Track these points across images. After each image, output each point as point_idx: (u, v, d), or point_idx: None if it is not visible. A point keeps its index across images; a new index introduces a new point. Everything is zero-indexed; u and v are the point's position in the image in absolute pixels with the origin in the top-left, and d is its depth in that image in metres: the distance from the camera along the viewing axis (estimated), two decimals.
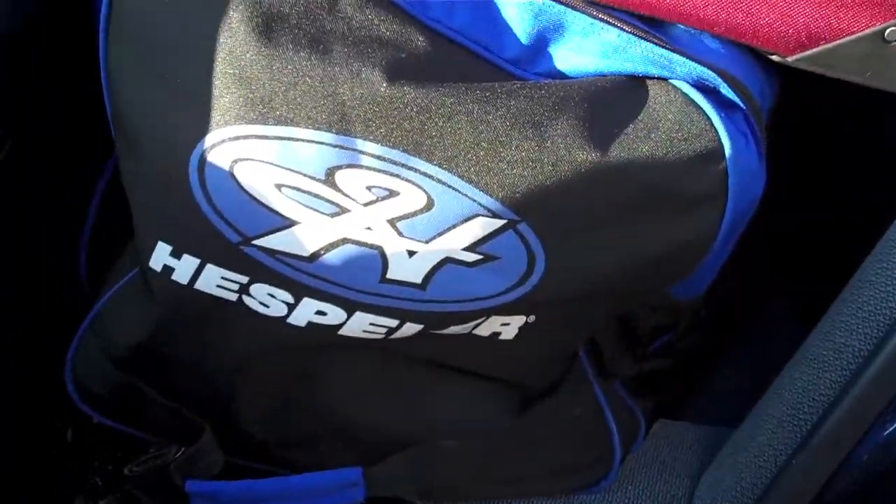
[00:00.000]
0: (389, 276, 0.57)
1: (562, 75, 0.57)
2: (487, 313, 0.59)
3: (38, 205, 0.70)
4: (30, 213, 0.70)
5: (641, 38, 0.56)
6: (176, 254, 0.58)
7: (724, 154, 0.55)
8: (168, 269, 0.58)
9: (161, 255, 0.58)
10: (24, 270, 0.71)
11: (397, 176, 0.54)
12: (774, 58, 0.58)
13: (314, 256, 0.56)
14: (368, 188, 0.54)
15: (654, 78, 0.56)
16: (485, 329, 0.61)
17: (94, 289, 0.70)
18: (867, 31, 0.57)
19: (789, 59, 0.58)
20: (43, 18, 0.65)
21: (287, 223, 0.55)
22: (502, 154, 0.54)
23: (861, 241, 0.63)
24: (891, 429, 0.61)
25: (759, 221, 0.62)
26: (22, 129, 0.65)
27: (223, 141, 0.54)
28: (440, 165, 0.54)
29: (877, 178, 0.74)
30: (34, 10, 0.64)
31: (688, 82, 0.56)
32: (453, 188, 0.54)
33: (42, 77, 0.66)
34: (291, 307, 0.59)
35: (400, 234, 0.55)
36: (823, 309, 0.64)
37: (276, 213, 0.55)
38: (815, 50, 0.57)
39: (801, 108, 0.68)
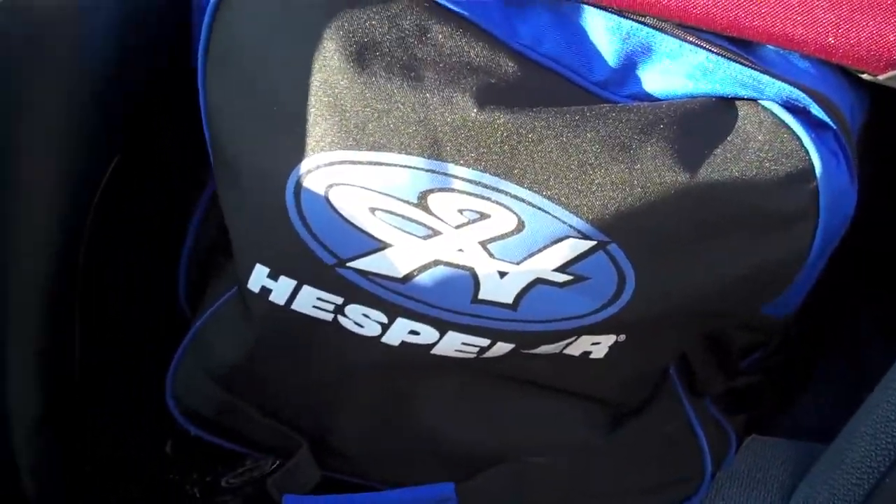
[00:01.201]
0: (481, 296, 0.58)
1: (650, 97, 0.57)
2: (578, 333, 0.60)
3: (140, 223, 0.73)
4: (132, 232, 0.72)
5: (730, 59, 0.56)
6: (273, 275, 0.59)
7: (814, 173, 0.55)
8: (266, 291, 0.60)
9: (259, 277, 0.60)
10: (125, 289, 0.74)
11: (488, 199, 0.55)
12: (865, 76, 0.58)
13: (407, 278, 0.57)
14: (460, 211, 0.55)
15: (743, 99, 0.57)
16: (575, 348, 0.62)
17: (193, 309, 0.72)
18: None
19: (880, 77, 0.58)
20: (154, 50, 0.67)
21: (380, 245, 0.56)
22: (592, 177, 0.54)
23: None
24: None
25: (852, 238, 0.61)
26: (131, 145, 0.68)
27: (318, 167, 0.55)
28: (530, 188, 0.55)
29: None
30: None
31: (777, 103, 0.56)
32: (544, 210, 0.55)
33: (150, 98, 0.68)
34: (385, 327, 0.60)
35: (491, 255, 0.56)
36: None
37: (370, 235, 0.56)
38: None
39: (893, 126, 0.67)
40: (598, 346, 0.62)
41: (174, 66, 0.66)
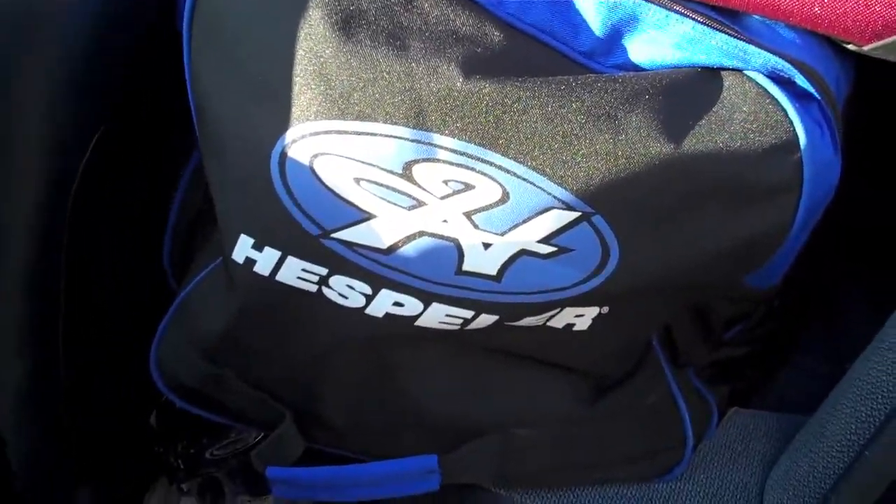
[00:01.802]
0: (465, 267, 0.57)
1: (637, 67, 0.57)
2: (562, 304, 0.60)
3: (125, 194, 0.72)
4: (117, 202, 0.72)
5: (716, 29, 0.56)
6: (258, 246, 0.59)
7: (798, 144, 0.55)
8: (250, 261, 0.60)
9: (243, 248, 0.60)
10: (110, 261, 0.73)
11: (473, 169, 0.55)
12: (850, 47, 0.58)
13: (391, 249, 0.57)
14: (445, 182, 0.55)
15: (728, 69, 0.56)
16: (559, 321, 0.62)
17: (178, 279, 0.72)
18: None
19: (865, 48, 0.58)
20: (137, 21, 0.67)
21: (365, 216, 0.56)
22: (577, 147, 0.54)
23: None
24: None
25: (835, 211, 0.62)
26: (115, 117, 0.67)
27: (303, 136, 0.55)
28: (515, 159, 0.55)
29: None
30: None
31: (762, 73, 0.56)
32: (528, 181, 0.55)
33: (133, 69, 0.68)
34: (369, 298, 0.60)
35: (476, 226, 0.56)
36: None
37: (355, 206, 0.56)
38: (891, 39, 0.57)
39: (878, 97, 0.67)
40: (582, 318, 0.62)
41: (160, 33, 0.66)
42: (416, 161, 0.55)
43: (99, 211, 0.68)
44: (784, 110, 0.55)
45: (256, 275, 0.60)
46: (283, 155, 0.56)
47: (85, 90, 0.64)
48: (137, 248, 0.74)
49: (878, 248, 0.82)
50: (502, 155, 0.55)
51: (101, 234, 0.71)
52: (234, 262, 0.60)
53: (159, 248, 0.73)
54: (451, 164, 0.55)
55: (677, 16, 0.56)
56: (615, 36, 0.57)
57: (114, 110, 0.67)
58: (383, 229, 0.57)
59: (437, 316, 0.60)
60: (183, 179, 0.71)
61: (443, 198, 0.55)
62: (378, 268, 0.58)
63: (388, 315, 0.60)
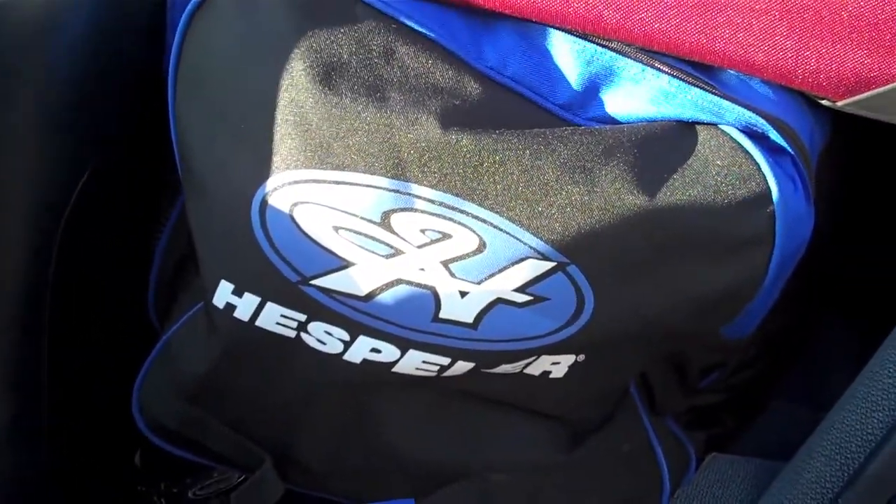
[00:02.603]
0: (442, 315, 0.58)
1: (613, 120, 0.58)
2: (538, 352, 0.61)
3: (111, 236, 0.73)
4: (103, 245, 0.73)
5: (691, 84, 0.57)
6: (238, 292, 0.60)
7: (772, 198, 0.56)
8: (230, 307, 0.61)
9: (224, 293, 0.60)
10: (95, 301, 0.74)
11: (450, 219, 0.56)
12: (824, 102, 0.59)
13: (370, 296, 0.58)
14: (422, 231, 0.56)
15: (703, 123, 0.57)
16: (535, 368, 0.63)
17: (162, 321, 0.73)
18: None
19: (839, 103, 0.59)
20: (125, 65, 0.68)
21: (344, 264, 0.57)
22: (552, 199, 0.55)
23: None
24: None
25: (810, 260, 0.62)
26: (100, 161, 0.68)
27: (284, 185, 0.56)
28: (492, 209, 0.55)
29: None
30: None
31: (737, 128, 0.57)
32: (505, 231, 0.56)
33: (120, 112, 0.69)
34: (347, 344, 0.60)
35: (452, 275, 0.57)
36: (878, 342, 0.65)
37: (334, 254, 0.57)
38: (864, 95, 0.58)
39: (855, 150, 0.68)
40: (558, 365, 0.63)
41: (147, 77, 0.67)
42: (394, 210, 0.56)
43: (85, 252, 0.69)
44: (757, 164, 0.56)
45: (236, 320, 0.61)
46: (264, 202, 0.57)
47: (72, 132, 0.65)
48: (122, 290, 0.75)
49: (856, 293, 0.83)
50: (479, 205, 0.55)
51: (86, 275, 0.71)
52: (214, 307, 0.61)
53: (144, 289, 0.74)
54: (429, 213, 0.56)
55: (653, 70, 0.57)
56: (592, 89, 0.58)
57: (101, 152, 0.68)
58: (361, 277, 0.57)
59: (414, 362, 0.61)
60: (168, 222, 0.72)
61: (420, 247, 0.56)
62: (356, 314, 0.59)
63: (365, 361, 0.61)
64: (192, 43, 0.59)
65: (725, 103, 0.57)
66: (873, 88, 0.58)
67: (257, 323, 0.61)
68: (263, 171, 0.56)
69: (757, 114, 0.57)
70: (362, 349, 0.60)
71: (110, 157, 0.68)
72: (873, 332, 0.66)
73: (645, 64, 0.58)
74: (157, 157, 0.67)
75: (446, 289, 0.57)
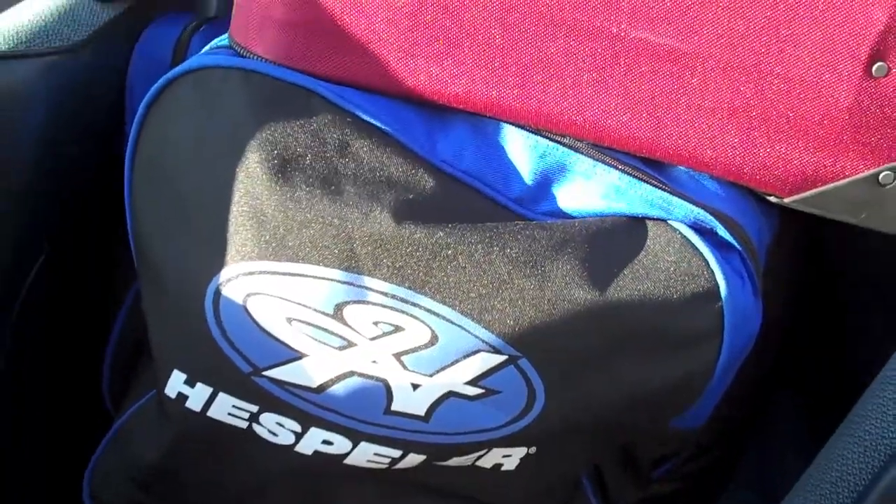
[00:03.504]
0: (394, 407, 0.58)
1: (565, 215, 0.59)
2: (489, 445, 0.61)
3: (65, 320, 0.73)
4: (57, 329, 0.72)
5: (642, 180, 0.58)
6: (190, 382, 0.60)
7: (720, 293, 0.57)
8: (182, 397, 0.60)
9: (176, 383, 0.60)
10: (48, 382, 0.74)
11: (403, 312, 0.56)
12: (772, 199, 0.60)
13: (322, 388, 0.58)
14: (375, 323, 0.56)
15: (653, 219, 0.58)
16: (487, 461, 0.63)
17: (116, 406, 0.72)
18: (862, 175, 0.59)
19: (786, 200, 0.60)
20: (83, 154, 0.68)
21: (296, 355, 0.57)
22: (503, 293, 0.56)
23: (866, 364, 0.64)
24: None
25: (762, 350, 0.63)
26: (57, 243, 0.68)
27: (238, 276, 0.56)
28: (444, 302, 0.56)
29: (882, 309, 0.75)
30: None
31: (686, 224, 0.58)
32: (456, 324, 0.56)
33: (74, 200, 0.69)
34: (299, 436, 0.60)
35: (404, 367, 0.57)
36: (832, 426, 0.65)
37: (286, 345, 0.57)
38: (811, 192, 0.59)
39: (806, 237, 0.70)
40: (510, 458, 0.63)
41: (104, 167, 0.67)
42: (347, 303, 0.56)
43: (39, 337, 0.69)
44: (706, 261, 0.57)
45: (188, 410, 0.61)
46: (217, 293, 0.57)
47: (26, 219, 0.65)
48: (77, 373, 0.74)
49: (810, 378, 0.84)
50: (431, 298, 0.56)
51: (40, 360, 0.71)
52: (166, 396, 0.61)
53: (99, 373, 0.73)
54: (382, 306, 0.56)
55: (604, 166, 0.59)
56: (544, 183, 0.59)
57: (56, 236, 0.68)
58: (314, 368, 0.57)
59: (366, 454, 0.61)
60: (124, 307, 0.72)
61: (373, 339, 0.57)
62: (308, 406, 0.59)
63: (317, 453, 0.61)
64: (149, 133, 0.60)
65: (675, 199, 0.58)
66: (819, 186, 0.59)
67: (209, 413, 0.60)
68: (217, 262, 0.57)
69: (705, 210, 0.58)
70: (314, 441, 0.60)
71: (67, 241, 0.69)
72: (828, 417, 0.67)
73: (596, 159, 0.59)
74: (113, 242, 0.67)
75: (398, 381, 0.57)
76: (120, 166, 0.61)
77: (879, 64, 0.57)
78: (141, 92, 0.62)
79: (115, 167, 0.64)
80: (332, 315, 0.56)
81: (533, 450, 0.62)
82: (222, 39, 0.63)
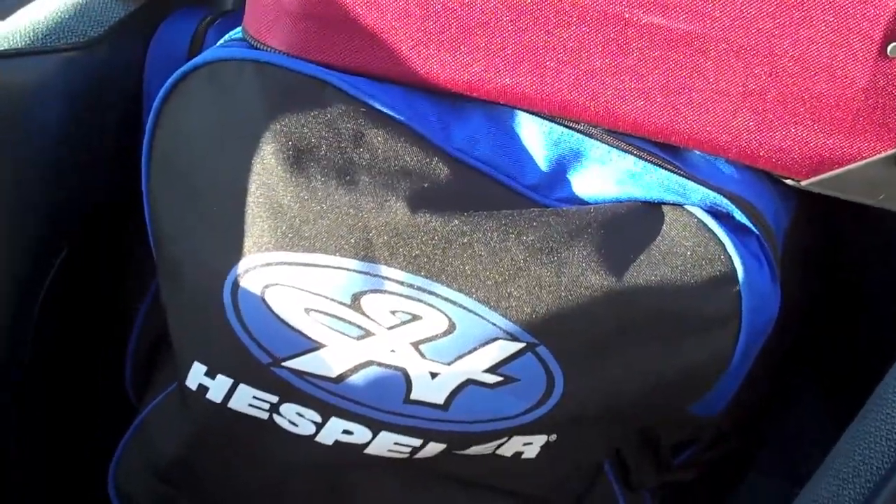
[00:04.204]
0: (413, 397, 0.58)
1: (580, 201, 0.59)
2: (509, 433, 0.61)
3: (88, 314, 0.73)
4: (80, 322, 0.73)
5: (657, 165, 0.58)
6: (210, 374, 0.60)
7: (737, 278, 0.57)
8: (203, 388, 0.61)
9: (196, 375, 0.60)
10: (72, 378, 0.74)
11: (420, 300, 0.56)
12: (788, 181, 0.60)
13: (341, 378, 0.58)
14: (392, 312, 0.56)
15: (669, 204, 0.58)
16: (507, 449, 0.63)
17: (139, 399, 0.73)
18: (879, 156, 0.58)
19: (803, 182, 0.60)
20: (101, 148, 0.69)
21: (315, 346, 0.57)
22: (520, 280, 0.56)
23: (882, 345, 0.64)
24: None
25: (781, 334, 0.63)
26: (76, 239, 0.69)
27: (255, 267, 0.57)
28: (461, 290, 0.56)
29: None
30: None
31: (702, 208, 0.58)
32: (474, 312, 0.56)
33: (95, 193, 0.69)
34: (319, 426, 0.60)
35: (423, 356, 0.57)
36: (853, 411, 0.65)
37: (305, 336, 0.57)
38: (827, 174, 0.59)
39: (825, 221, 0.69)
40: (530, 446, 0.63)
41: (122, 162, 0.67)
42: (364, 292, 0.56)
43: (62, 330, 0.70)
44: (723, 245, 0.57)
45: (209, 402, 0.61)
46: (236, 285, 0.57)
47: (44, 217, 0.66)
48: (100, 368, 0.75)
49: (831, 366, 0.84)
50: (448, 287, 0.56)
51: (63, 354, 0.72)
52: (187, 388, 0.61)
53: (122, 367, 0.74)
54: (399, 295, 0.56)
55: (619, 152, 0.58)
56: (560, 170, 0.59)
57: (76, 233, 0.69)
58: (332, 359, 0.58)
59: (386, 444, 0.61)
60: (145, 301, 0.72)
61: (391, 328, 0.57)
62: (327, 396, 0.59)
63: (337, 443, 0.61)
64: (165, 126, 0.60)
65: (690, 184, 0.58)
66: (836, 168, 0.59)
67: (230, 405, 0.61)
68: (235, 254, 0.57)
69: (721, 194, 0.58)
70: (334, 431, 0.60)
71: (86, 237, 0.69)
72: (848, 400, 0.67)
73: (611, 145, 0.59)
74: (132, 236, 0.67)
75: (417, 370, 0.57)
76: (137, 161, 0.61)
77: (894, 44, 0.56)
78: (158, 86, 0.62)
79: (132, 162, 0.64)
80: (350, 305, 0.56)
81: (553, 437, 0.62)
82: (237, 32, 0.63)
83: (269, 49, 0.60)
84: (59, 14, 0.68)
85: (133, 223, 0.65)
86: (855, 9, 0.55)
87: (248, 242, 0.57)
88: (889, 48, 0.56)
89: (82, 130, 0.68)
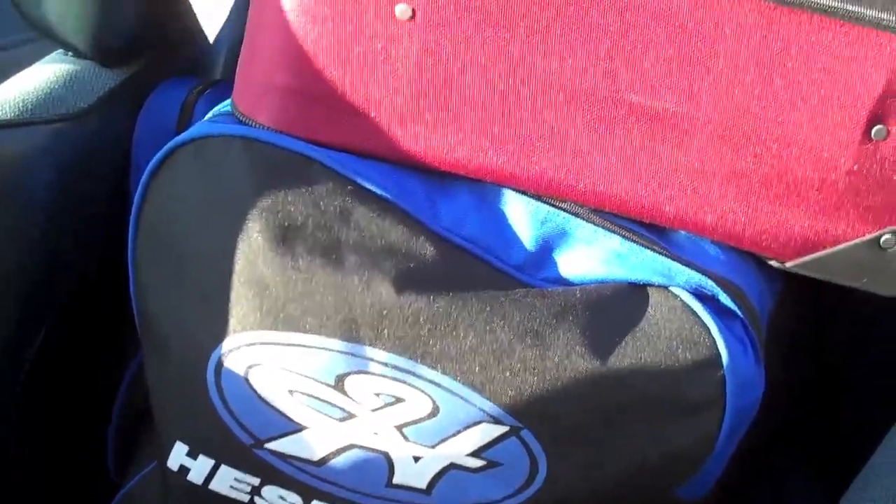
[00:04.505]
0: (396, 480, 0.58)
1: (566, 281, 0.59)
2: None
3: (71, 388, 0.73)
4: (63, 397, 0.72)
5: (643, 245, 0.58)
6: (192, 454, 0.60)
7: (721, 362, 0.57)
8: (184, 469, 0.60)
9: (178, 455, 0.60)
10: (55, 451, 0.74)
11: (404, 382, 0.56)
12: (773, 263, 0.60)
13: (323, 461, 0.58)
14: (376, 394, 0.56)
15: (655, 286, 0.58)
16: None
17: (120, 475, 0.72)
18: (862, 239, 0.59)
19: (787, 264, 0.60)
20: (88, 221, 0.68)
21: (298, 427, 0.57)
22: (505, 363, 0.56)
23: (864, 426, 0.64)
24: None
25: (766, 415, 0.63)
26: (62, 310, 0.68)
27: (240, 346, 0.56)
28: (445, 373, 0.56)
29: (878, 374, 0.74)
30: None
31: (687, 290, 0.58)
32: (458, 395, 0.56)
33: (79, 268, 0.69)
34: None
35: (406, 439, 0.57)
36: (841, 487, 0.65)
37: (288, 417, 0.57)
38: (812, 256, 0.59)
39: (810, 306, 0.69)
40: None
41: (109, 236, 0.67)
42: (348, 373, 0.56)
43: (44, 405, 0.69)
44: (707, 328, 0.57)
45: (190, 483, 0.61)
46: (220, 364, 0.57)
47: (31, 288, 0.66)
48: (82, 442, 0.74)
49: (815, 445, 0.83)
50: (433, 369, 0.56)
51: (46, 427, 0.71)
52: (169, 469, 0.61)
53: (103, 442, 0.73)
54: (383, 376, 0.56)
55: (606, 232, 0.58)
56: (546, 250, 0.59)
57: (62, 304, 0.68)
58: (315, 441, 0.57)
59: None
60: (127, 377, 0.72)
61: (374, 410, 0.56)
62: (310, 479, 0.59)
63: None
64: (152, 201, 0.60)
65: (676, 265, 0.58)
66: (820, 250, 0.59)
67: (211, 486, 0.60)
68: (219, 333, 0.57)
69: (707, 276, 0.58)
70: None
71: (71, 311, 0.69)
72: (836, 482, 0.67)
73: (597, 225, 0.59)
74: (118, 310, 0.67)
75: (399, 453, 0.57)
76: (125, 233, 0.61)
77: (879, 127, 0.56)
78: (147, 157, 0.62)
79: (119, 234, 0.64)
80: (334, 386, 0.56)
81: None
82: (225, 105, 0.63)
83: (256, 124, 0.60)
84: (49, 85, 0.69)
85: (119, 295, 0.65)
86: (840, 92, 0.56)
87: (232, 321, 0.57)
88: (873, 131, 0.56)
89: (71, 201, 0.68)
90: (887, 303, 0.62)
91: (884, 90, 0.56)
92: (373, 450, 0.57)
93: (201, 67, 0.77)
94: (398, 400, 0.56)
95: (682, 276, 0.58)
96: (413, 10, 0.56)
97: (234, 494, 0.60)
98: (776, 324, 0.62)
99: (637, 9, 0.55)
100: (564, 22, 0.56)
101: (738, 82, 0.56)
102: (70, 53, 0.73)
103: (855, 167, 0.57)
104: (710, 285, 0.57)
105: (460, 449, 0.57)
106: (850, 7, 0.55)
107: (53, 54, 0.74)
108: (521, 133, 0.58)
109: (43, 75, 0.70)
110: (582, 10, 0.56)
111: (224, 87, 0.74)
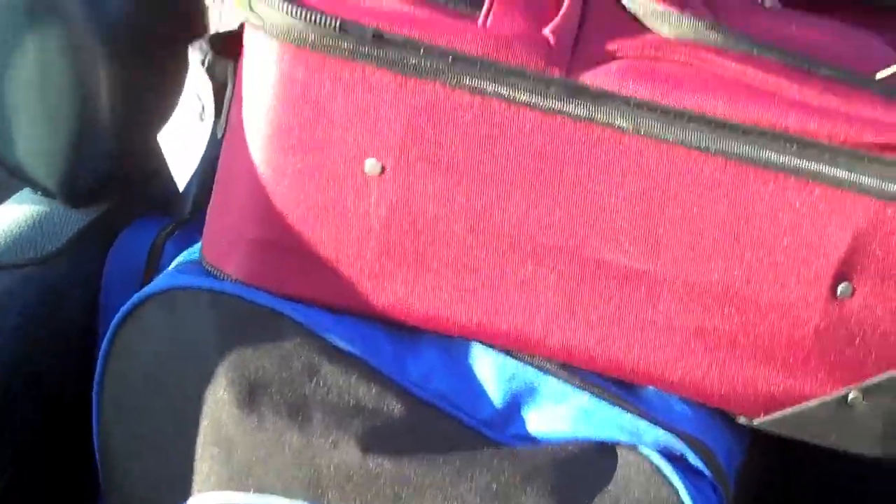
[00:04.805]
0: None
1: (534, 439, 0.59)
2: None
3: None
4: None
5: (612, 402, 0.58)
6: None
7: None
8: None
9: None
10: None
11: None
12: (741, 420, 0.60)
13: None
14: None
15: (623, 445, 0.58)
16: None
17: None
18: (830, 396, 0.59)
19: (755, 421, 0.60)
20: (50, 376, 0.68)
21: None
22: None
23: None
24: None
25: None
26: (22, 462, 0.67)
27: None
28: None
29: None
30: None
31: (656, 450, 0.58)
32: None
33: (46, 412, 0.68)
34: None
35: None
36: None
37: None
38: (780, 414, 0.59)
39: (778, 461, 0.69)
40: None
41: (72, 391, 0.66)
42: None
43: None
44: (676, 490, 0.56)
45: None
46: None
47: None
48: None
49: None
50: None
51: None
52: None
53: None
54: None
55: (573, 388, 0.58)
56: (514, 405, 0.59)
57: (20, 455, 0.67)
58: None
59: None
60: None
61: None
62: None
63: None
64: (117, 354, 0.60)
65: (644, 423, 0.58)
66: (788, 408, 0.59)
67: None
68: (183, 492, 0.56)
69: (675, 433, 0.57)
70: None
71: (32, 460, 0.68)
72: None
73: (565, 381, 0.59)
74: (81, 459, 0.66)
75: None
76: (90, 379, 0.61)
77: (844, 284, 0.57)
78: (115, 299, 0.62)
79: (85, 381, 0.63)
80: None
81: None
82: (193, 252, 0.63)
83: (225, 276, 0.60)
84: (16, 228, 0.68)
85: (82, 445, 0.64)
86: (806, 251, 0.56)
87: (196, 481, 0.56)
88: (839, 289, 0.57)
89: (38, 347, 0.67)
90: (853, 454, 0.62)
91: (848, 248, 0.56)
92: None
93: (170, 206, 0.77)
94: None
95: (650, 435, 0.57)
96: (382, 167, 0.57)
97: None
98: (744, 479, 0.62)
99: (601, 168, 0.56)
100: (530, 179, 0.56)
101: (702, 238, 0.57)
102: (39, 192, 0.73)
103: (822, 325, 0.57)
104: (678, 445, 0.57)
105: None
106: (814, 167, 0.55)
107: (22, 192, 0.74)
108: (488, 288, 0.58)
109: (10, 217, 0.69)
110: (547, 169, 0.56)
111: (193, 228, 0.74)
